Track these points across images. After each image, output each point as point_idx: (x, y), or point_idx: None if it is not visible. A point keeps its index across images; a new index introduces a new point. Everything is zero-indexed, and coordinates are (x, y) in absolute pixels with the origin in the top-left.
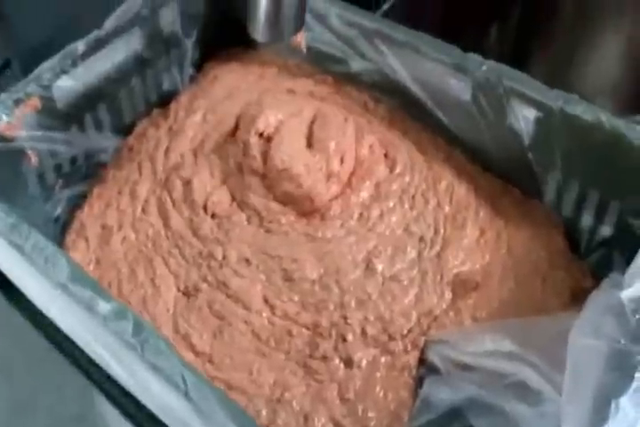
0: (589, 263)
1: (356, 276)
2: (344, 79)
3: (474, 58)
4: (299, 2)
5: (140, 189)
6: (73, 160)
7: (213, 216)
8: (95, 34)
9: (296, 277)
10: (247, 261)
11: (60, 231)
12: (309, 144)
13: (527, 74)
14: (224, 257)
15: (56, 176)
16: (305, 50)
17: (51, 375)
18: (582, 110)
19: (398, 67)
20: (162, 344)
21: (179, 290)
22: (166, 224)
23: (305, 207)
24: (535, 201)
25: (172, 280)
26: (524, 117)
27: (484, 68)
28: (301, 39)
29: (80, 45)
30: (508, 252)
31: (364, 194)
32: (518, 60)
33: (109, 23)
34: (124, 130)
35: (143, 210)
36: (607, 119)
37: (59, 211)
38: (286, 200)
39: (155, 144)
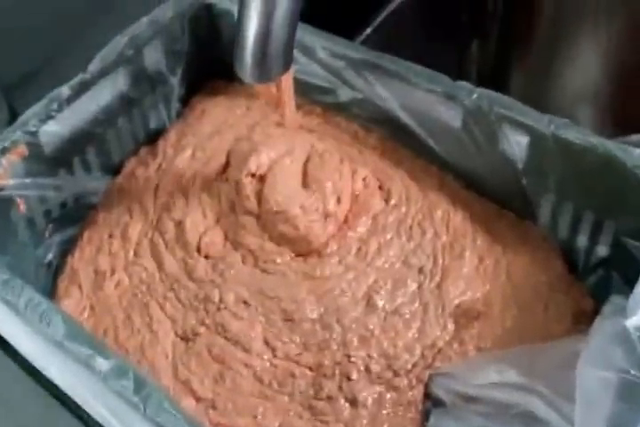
0: (588, 284)
1: (357, 313)
2: (333, 109)
3: (463, 86)
4: (286, 41)
5: (132, 231)
6: (62, 204)
7: (207, 257)
8: (80, 77)
9: (296, 318)
10: (245, 302)
11: (52, 277)
12: (304, 184)
13: (508, 89)
14: (221, 300)
15: (46, 221)
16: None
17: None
18: (574, 134)
19: (387, 96)
20: (165, 401)
21: (176, 335)
22: (160, 267)
23: (302, 248)
24: (530, 224)
25: (170, 325)
26: (516, 143)
27: (475, 95)
28: (290, 114)
29: (65, 89)
30: (507, 278)
31: (362, 229)
32: (499, 75)
33: (93, 65)
34: (113, 170)
35: (135, 253)
36: (599, 142)
37: (50, 256)
38: (282, 241)
39: (144, 184)
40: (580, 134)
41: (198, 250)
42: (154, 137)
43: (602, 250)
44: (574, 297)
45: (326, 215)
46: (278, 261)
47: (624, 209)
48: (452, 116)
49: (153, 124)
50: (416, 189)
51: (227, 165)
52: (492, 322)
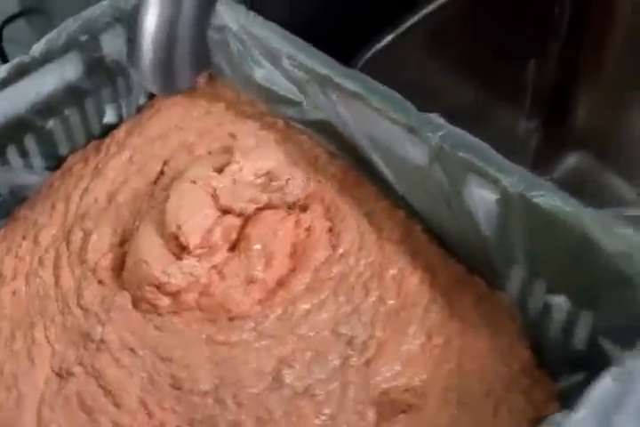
0: (560, 386)
1: (257, 389)
2: (297, 126)
3: (431, 119)
4: (193, 43)
5: (44, 235)
6: None
7: (101, 283)
8: (19, 59)
9: (186, 387)
10: (132, 350)
11: None
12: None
13: (568, 120)
14: (102, 340)
15: None
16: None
17: None
18: (546, 198)
19: (349, 121)
20: None
21: (52, 369)
22: (57, 283)
23: (218, 315)
24: (502, 298)
25: (48, 356)
26: (481, 199)
27: (441, 133)
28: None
29: (1, 71)
30: (457, 366)
31: (297, 287)
32: (558, 101)
33: (37, 48)
34: (59, 165)
35: (40, 261)
36: (578, 214)
37: None
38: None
39: (75, 183)
40: (558, 200)
41: (94, 272)
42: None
43: (578, 346)
44: (536, 400)
45: (250, 281)
46: (175, 320)
47: (601, 301)
48: (417, 154)
49: (111, 119)
50: (373, 238)
51: (160, 175)
52: (422, 419)
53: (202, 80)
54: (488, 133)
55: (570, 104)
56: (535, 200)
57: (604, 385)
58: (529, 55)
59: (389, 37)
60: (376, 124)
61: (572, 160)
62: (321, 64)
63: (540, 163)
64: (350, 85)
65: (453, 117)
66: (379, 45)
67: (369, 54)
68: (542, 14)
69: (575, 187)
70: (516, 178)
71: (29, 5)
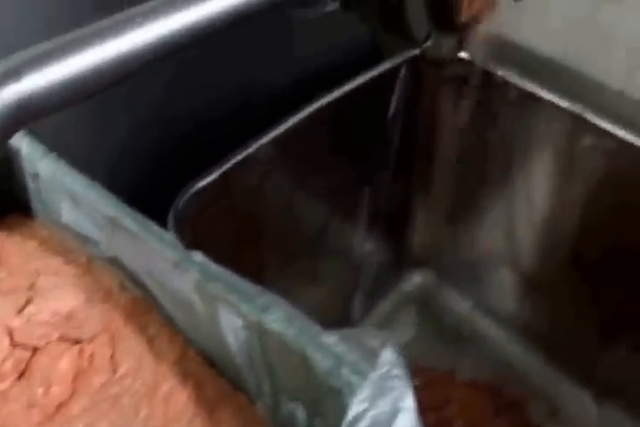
0: None
1: None
2: (98, 262)
3: (192, 257)
4: None
5: None
6: None
7: None
8: None
9: None
10: None
11: None
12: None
13: (408, 233)
14: None
15: None
16: None
17: None
18: (277, 323)
19: (132, 257)
20: None
21: None
22: None
23: None
24: (259, 412)
25: None
26: (231, 326)
27: (198, 268)
28: None
29: None
30: None
31: (75, 410)
32: (396, 218)
33: None
34: None
35: None
36: (299, 333)
37: None
38: None
39: None
40: (285, 323)
41: None
42: None
43: None
44: None
45: (30, 405)
46: None
47: (326, 412)
48: (184, 287)
49: None
50: (151, 360)
51: None
52: None
53: None
54: (327, 254)
55: (407, 226)
56: (267, 326)
57: None
58: (362, 184)
59: (217, 173)
60: (151, 260)
61: (416, 278)
62: (112, 208)
63: (384, 281)
64: (130, 225)
65: (292, 241)
66: (207, 180)
67: (193, 190)
68: (371, 147)
69: (419, 304)
70: (253, 305)
71: None
